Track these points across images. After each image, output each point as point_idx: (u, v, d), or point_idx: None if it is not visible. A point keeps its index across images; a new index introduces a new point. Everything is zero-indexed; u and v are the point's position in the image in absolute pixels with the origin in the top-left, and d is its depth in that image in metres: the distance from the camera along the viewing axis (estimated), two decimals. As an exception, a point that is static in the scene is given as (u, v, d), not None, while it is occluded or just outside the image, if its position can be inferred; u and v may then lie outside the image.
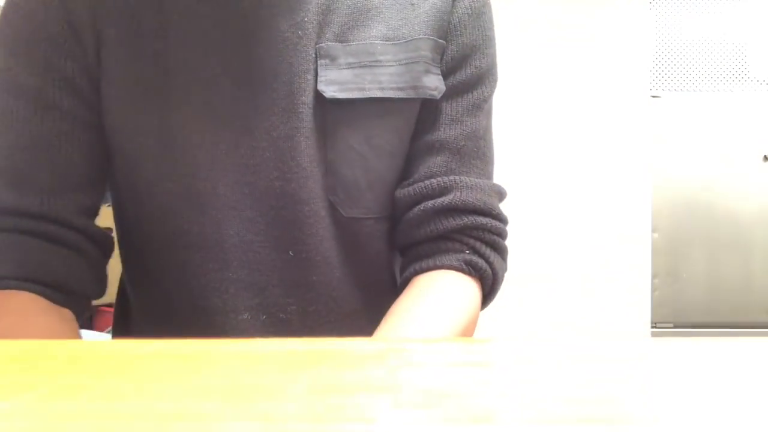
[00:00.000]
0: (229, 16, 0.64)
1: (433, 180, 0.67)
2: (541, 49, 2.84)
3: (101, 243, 0.68)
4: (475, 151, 0.69)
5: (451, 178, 0.67)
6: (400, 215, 0.70)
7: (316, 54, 0.64)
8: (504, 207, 0.72)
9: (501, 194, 0.71)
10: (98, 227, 0.68)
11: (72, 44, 0.64)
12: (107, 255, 0.69)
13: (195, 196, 0.64)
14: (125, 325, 0.77)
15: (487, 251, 0.67)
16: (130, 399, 0.30)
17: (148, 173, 0.65)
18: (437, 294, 0.65)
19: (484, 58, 0.70)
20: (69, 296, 0.64)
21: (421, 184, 0.67)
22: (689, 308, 2.88)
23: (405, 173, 0.70)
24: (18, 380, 0.35)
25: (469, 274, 0.66)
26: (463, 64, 0.69)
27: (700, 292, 2.88)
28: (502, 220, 0.69)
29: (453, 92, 0.69)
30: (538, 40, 2.84)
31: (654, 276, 2.88)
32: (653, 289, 2.89)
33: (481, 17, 0.70)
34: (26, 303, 0.60)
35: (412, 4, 0.67)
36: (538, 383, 0.33)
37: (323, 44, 0.64)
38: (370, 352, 0.41)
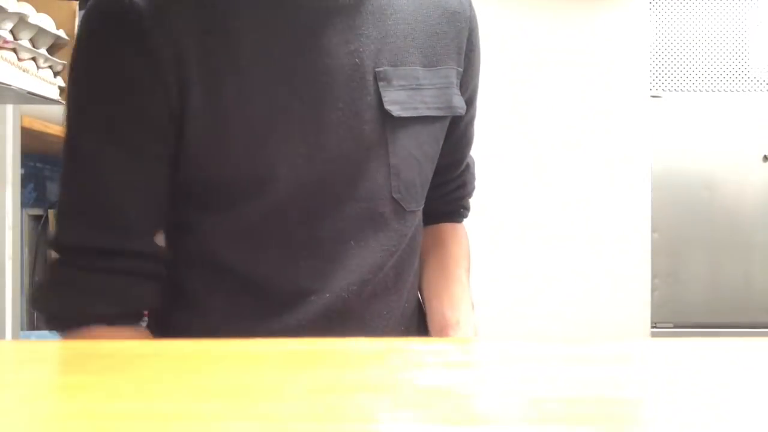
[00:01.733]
0: (293, 49, 0.72)
1: (452, 183, 0.96)
2: (542, 49, 2.84)
3: (161, 258, 0.77)
4: (469, 151, 0.98)
5: (462, 178, 0.97)
6: (433, 197, 0.91)
7: (374, 77, 0.76)
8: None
9: (474, 164, 1.00)
10: (157, 245, 0.78)
11: (159, 91, 0.69)
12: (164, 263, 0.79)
13: (274, 206, 0.74)
14: (167, 318, 0.81)
15: (468, 205, 1.01)
16: (130, 399, 0.30)
17: (232, 190, 0.74)
18: (456, 245, 0.96)
19: (477, 86, 0.91)
20: (139, 316, 0.77)
21: (445, 186, 0.95)
22: (689, 308, 2.89)
23: (440, 174, 0.90)
24: (18, 380, 0.35)
25: (460, 221, 1.01)
26: (472, 95, 0.90)
27: (700, 292, 2.88)
28: (474, 180, 1.01)
29: (468, 120, 0.91)
30: (539, 40, 2.84)
31: (654, 276, 2.89)
32: (653, 289, 2.89)
33: (480, 49, 0.89)
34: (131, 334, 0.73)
35: (437, 34, 0.82)
36: (538, 383, 0.33)
37: (381, 69, 0.77)
38: (370, 352, 0.41)
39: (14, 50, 1.47)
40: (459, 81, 0.85)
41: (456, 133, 0.90)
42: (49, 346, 0.44)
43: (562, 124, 2.85)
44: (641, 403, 0.30)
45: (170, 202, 0.76)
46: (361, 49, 0.75)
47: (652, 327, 2.88)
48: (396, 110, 0.77)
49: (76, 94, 0.73)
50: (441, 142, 0.86)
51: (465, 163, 0.97)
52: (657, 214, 2.88)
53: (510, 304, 2.77)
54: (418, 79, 0.80)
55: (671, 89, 2.92)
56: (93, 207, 0.72)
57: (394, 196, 0.80)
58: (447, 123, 0.85)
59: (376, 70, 0.76)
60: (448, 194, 0.97)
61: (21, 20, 1.48)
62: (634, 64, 2.88)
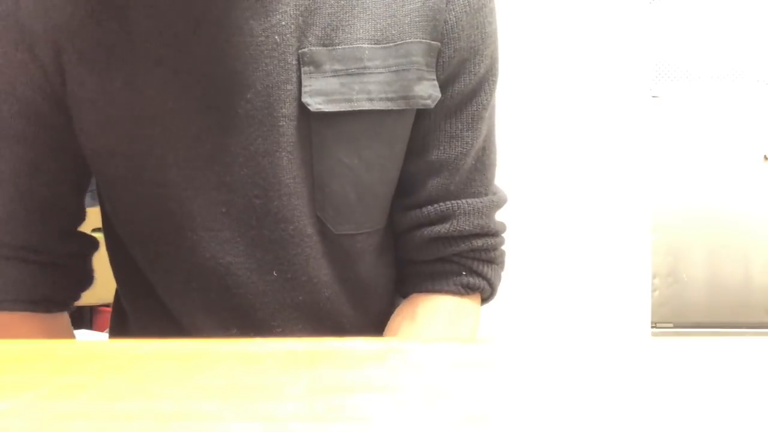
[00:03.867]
0: (198, 22, 0.59)
1: (431, 207, 0.67)
2: (541, 49, 2.84)
3: (82, 253, 0.70)
4: (474, 164, 0.68)
5: (449, 204, 0.67)
6: (400, 236, 0.70)
7: (298, 60, 0.60)
8: (504, 207, 0.73)
9: (499, 204, 0.70)
10: (79, 238, 0.70)
11: (32, 70, 0.61)
12: (90, 255, 0.72)
13: (169, 218, 0.62)
14: (122, 328, 0.77)
15: (483, 268, 0.69)
16: (130, 399, 0.30)
17: (126, 196, 0.64)
18: (440, 325, 0.67)
19: (482, 60, 0.65)
20: (55, 304, 0.68)
21: (421, 210, 0.67)
22: (689, 308, 2.88)
23: (405, 192, 0.68)
24: (18, 380, 0.35)
25: (467, 294, 0.69)
26: (461, 71, 0.65)
27: (700, 292, 2.88)
28: (497, 233, 0.70)
29: (451, 106, 0.65)
30: (538, 40, 2.84)
31: (654, 276, 2.88)
32: (653, 289, 2.89)
33: (480, 12, 0.64)
34: (12, 320, 0.65)
35: None
36: (538, 383, 0.33)
37: (306, 49, 0.60)
38: (370, 352, 0.41)
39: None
40: (434, 60, 0.63)
41: (425, 124, 0.66)
42: (49, 346, 0.44)
43: (562, 124, 2.84)
44: (641, 403, 0.30)
45: (67, 187, 0.67)
46: (284, 23, 0.59)
47: (652, 327, 2.88)
48: (317, 103, 0.59)
49: None
50: (399, 145, 0.65)
51: (452, 179, 0.67)
52: (657, 214, 2.88)
53: (509, 304, 2.77)
54: (362, 60, 0.60)
55: (671, 89, 2.92)
56: None
57: (318, 214, 0.63)
58: (408, 117, 0.64)
59: (300, 51, 0.59)
60: (422, 229, 0.67)
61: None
62: (634, 64, 2.87)
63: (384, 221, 0.68)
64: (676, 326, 2.89)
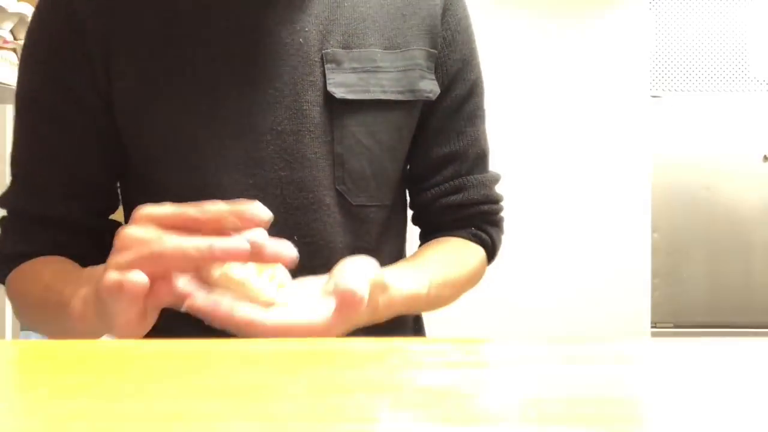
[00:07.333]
0: (233, 26, 0.71)
1: (447, 184, 0.82)
2: (542, 49, 2.84)
3: (110, 231, 0.78)
4: (477, 153, 0.83)
5: (460, 180, 0.82)
6: (422, 210, 0.84)
7: (322, 59, 0.72)
8: (504, 208, 0.87)
9: (497, 179, 0.86)
10: (111, 222, 0.77)
11: (83, 62, 0.70)
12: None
13: (203, 187, 0.70)
14: None
15: (488, 227, 0.84)
16: (130, 399, 0.30)
17: (161, 167, 0.72)
18: (452, 245, 0.81)
19: (472, 70, 0.82)
20: (86, 262, 0.75)
21: (439, 187, 0.82)
22: (689, 308, 2.89)
23: (426, 178, 0.82)
24: (18, 380, 0.35)
25: (474, 242, 0.83)
26: (458, 78, 0.80)
27: (700, 292, 2.88)
28: (498, 201, 0.85)
29: (454, 107, 0.81)
30: (539, 40, 2.84)
31: (654, 276, 2.88)
32: (653, 289, 2.89)
33: (467, 31, 0.81)
34: (56, 258, 0.72)
35: (403, 15, 0.77)
36: (538, 383, 0.33)
37: (329, 50, 0.72)
38: (370, 352, 0.41)
39: (14, 50, 1.47)
40: (433, 64, 0.78)
41: (434, 123, 0.80)
42: (49, 345, 0.44)
43: (563, 124, 2.85)
44: (641, 403, 0.30)
45: (106, 173, 0.75)
46: (307, 29, 0.72)
47: (652, 327, 2.88)
48: (341, 92, 0.72)
49: (19, 68, 0.76)
50: (406, 132, 0.78)
51: (463, 166, 0.82)
52: (657, 214, 2.88)
53: (510, 304, 2.77)
54: (376, 61, 0.74)
55: (671, 89, 2.92)
56: (20, 174, 0.74)
57: (338, 187, 0.73)
58: (415, 110, 0.78)
59: (324, 51, 0.72)
60: (440, 200, 0.82)
61: (21, 20, 1.48)
62: (634, 64, 2.87)
63: (391, 198, 0.79)
64: (676, 326, 2.89)
